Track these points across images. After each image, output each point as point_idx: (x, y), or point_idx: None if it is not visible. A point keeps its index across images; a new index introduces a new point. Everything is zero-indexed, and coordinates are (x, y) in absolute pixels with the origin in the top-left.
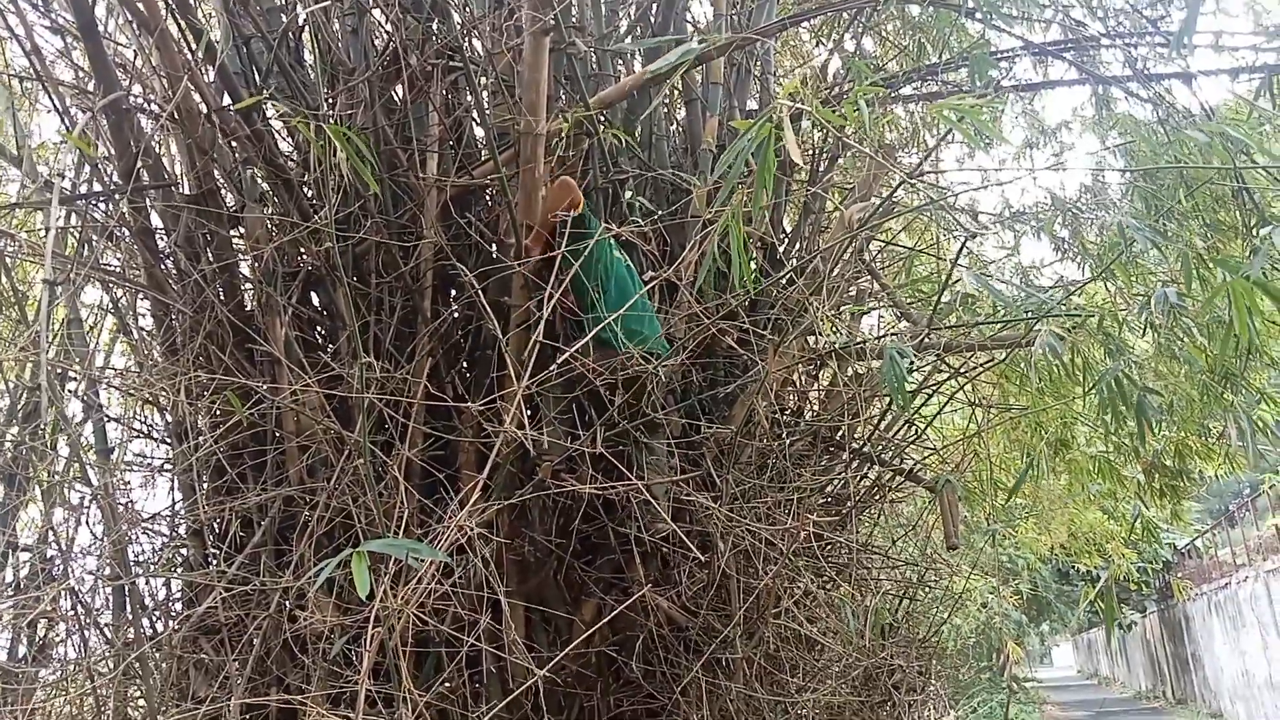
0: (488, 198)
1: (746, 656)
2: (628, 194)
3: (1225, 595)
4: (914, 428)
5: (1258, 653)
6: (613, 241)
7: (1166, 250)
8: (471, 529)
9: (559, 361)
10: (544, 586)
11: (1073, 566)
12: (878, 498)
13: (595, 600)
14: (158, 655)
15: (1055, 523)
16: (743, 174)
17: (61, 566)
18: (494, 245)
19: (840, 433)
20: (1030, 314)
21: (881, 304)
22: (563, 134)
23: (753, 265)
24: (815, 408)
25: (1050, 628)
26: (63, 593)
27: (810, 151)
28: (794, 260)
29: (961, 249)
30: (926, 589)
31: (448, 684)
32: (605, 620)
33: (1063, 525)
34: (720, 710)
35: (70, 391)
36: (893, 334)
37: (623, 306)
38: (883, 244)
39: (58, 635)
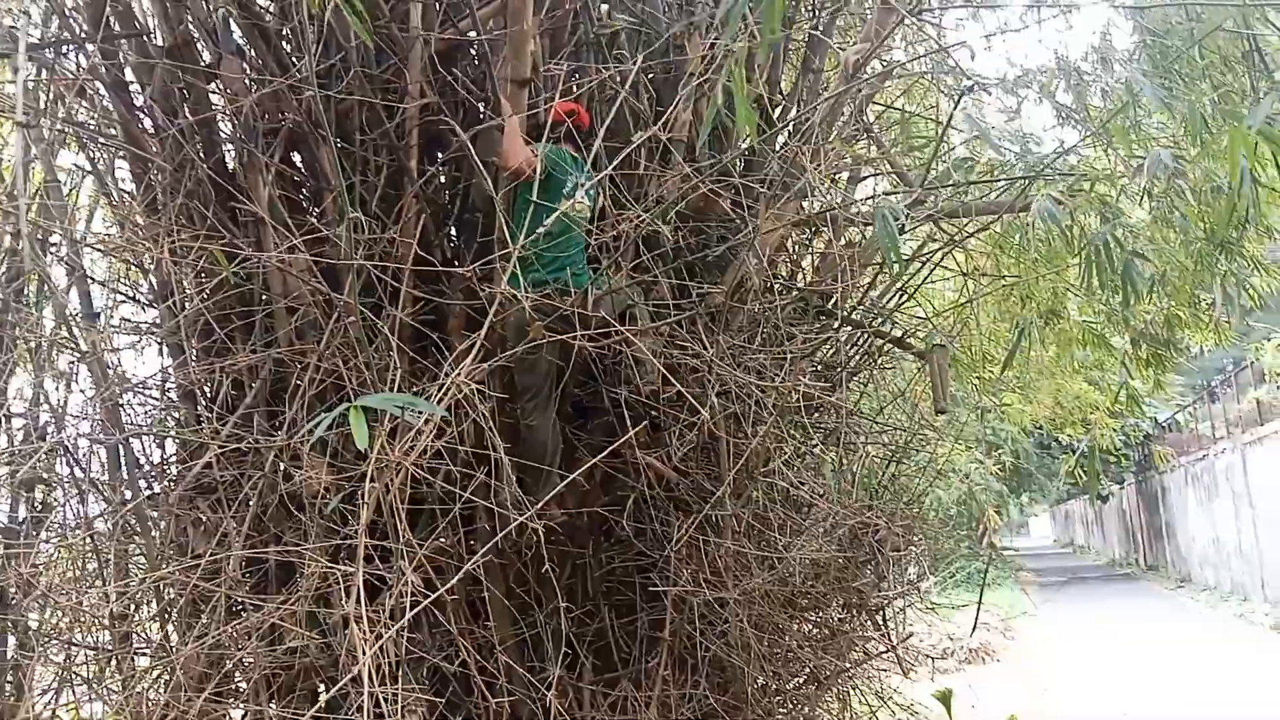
0: (474, 52)
1: (735, 515)
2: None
3: (1202, 467)
4: (906, 295)
5: (1229, 521)
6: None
7: (1171, 116)
8: (470, 386)
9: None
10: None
11: (1054, 438)
12: (867, 364)
13: (587, 461)
14: (155, 514)
15: (1041, 393)
16: (742, 22)
17: (55, 429)
18: (482, 102)
19: (832, 299)
20: (1027, 175)
21: (878, 170)
22: None
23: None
24: (808, 274)
25: (1030, 498)
26: (59, 455)
27: (811, 4)
28: (791, 120)
29: (958, 104)
30: (912, 455)
31: (442, 540)
32: (598, 480)
33: (1049, 396)
34: (709, 566)
35: (53, 254)
36: (888, 195)
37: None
38: (882, 107)
39: (56, 498)
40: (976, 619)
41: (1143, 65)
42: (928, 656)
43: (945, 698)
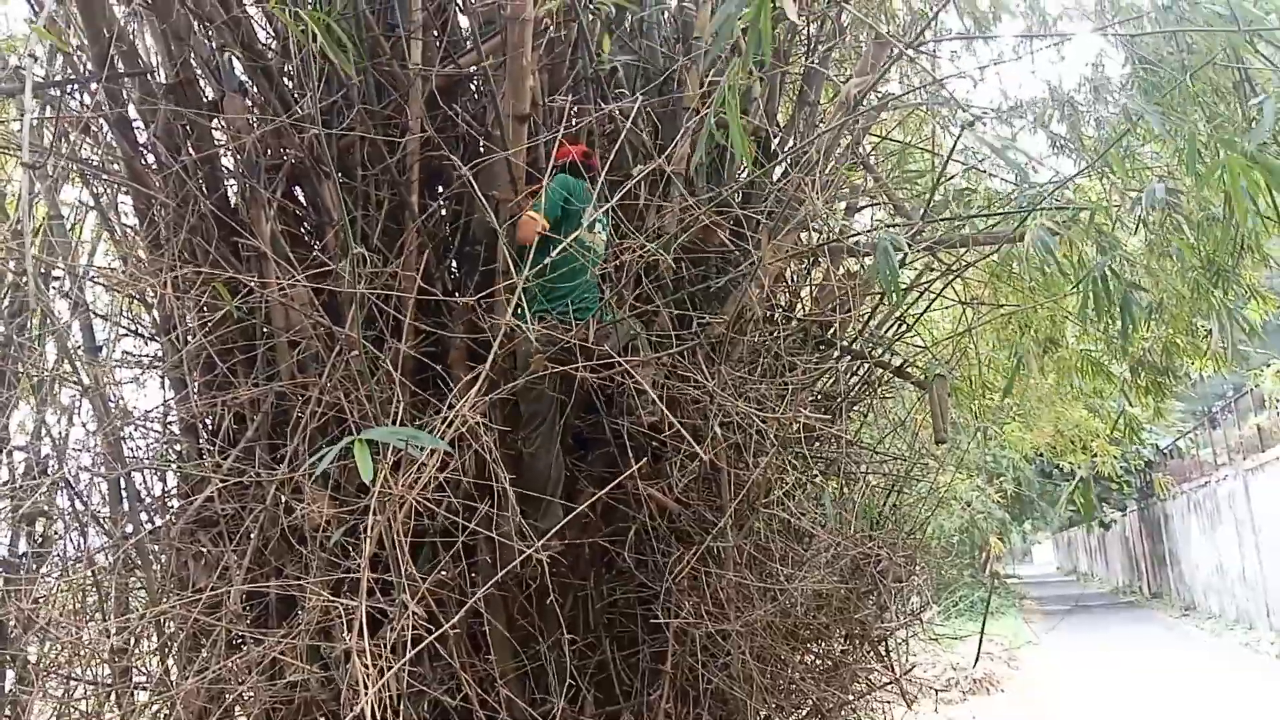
0: (474, 87)
1: (737, 546)
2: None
3: (1204, 494)
4: (905, 325)
5: (1232, 548)
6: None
7: (1164, 146)
8: (474, 419)
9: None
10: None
11: (1056, 466)
12: (867, 394)
13: (589, 493)
14: (156, 548)
15: (1042, 421)
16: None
17: (56, 463)
18: (481, 137)
19: (831, 329)
20: (1023, 208)
21: (875, 200)
22: (551, 18)
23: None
24: (807, 304)
25: (1032, 525)
26: (59, 489)
27: (806, 40)
28: (789, 153)
29: (959, 137)
30: (913, 485)
31: (444, 573)
32: (599, 512)
33: (1049, 423)
34: (711, 597)
35: (56, 289)
36: (887, 228)
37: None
38: (878, 139)
39: (57, 532)
40: (980, 649)
41: (1135, 94)
42: (931, 688)
43: None
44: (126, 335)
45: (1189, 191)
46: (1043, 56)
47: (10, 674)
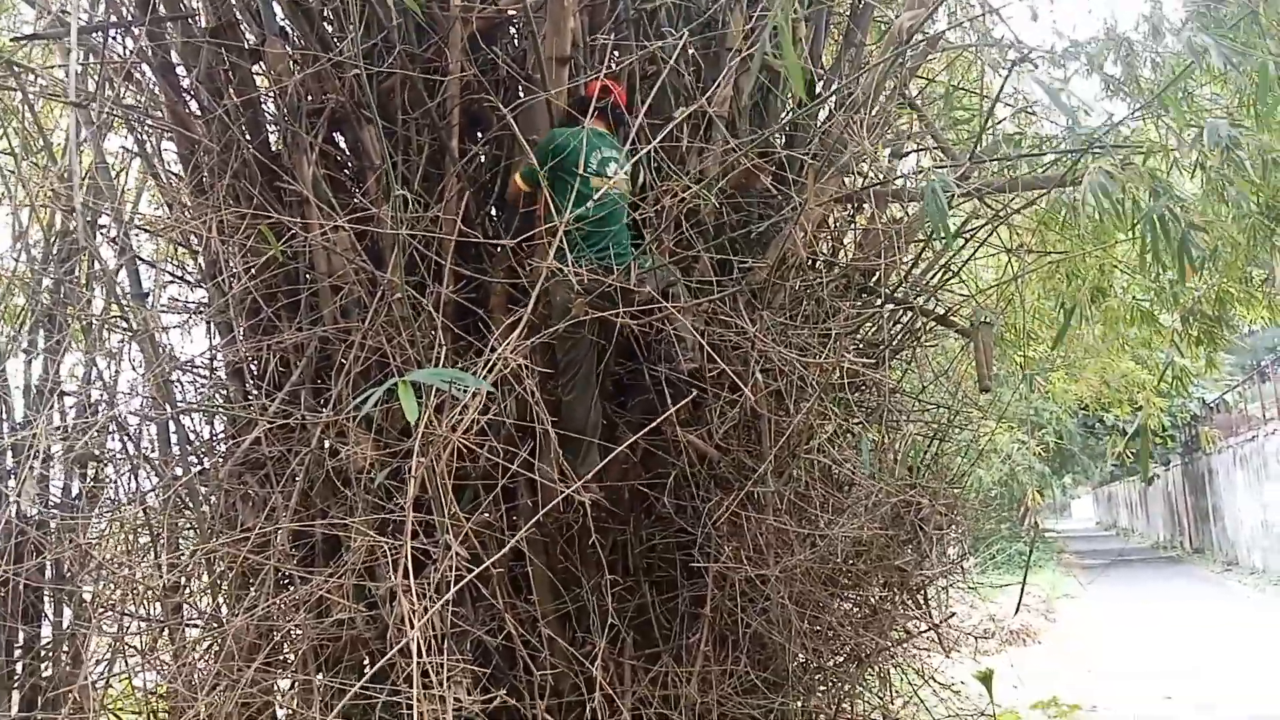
0: (514, 29)
1: (777, 492)
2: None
3: (1251, 448)
4: (949, 272)
5: (1278, 503)
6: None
7: (1224, 87)
8: (516, 362)
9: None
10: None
11: (1099, 419)
12: (910, 342)
13: (628, 438)
14: (205, 489)
15: (1087, 372)
16: None
17: (107, 407)
18: (522, 80)
19: (875, 275)
20: (1079, 150)
21: (922, 144)
22: None
23: (790, 98)
24: (849, 250)
25: (1073, 479)
26: (110, 432)
27: None
28: (834, 93)
29: (1008, 76)
30: (954, 435)
31: (485, 514)
32: (638, 457)
33: (1095, 375)
34: (750, 543)
35: (103, 235)
36: (935, 169)
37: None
38: (925, 80)
39: (106, 476)
40: (1021, 599)
41: (1197, 31)
42: (969, 636)
43: (987, 678)
44: (172, 281)
45: (1249, 134)
46: None
47: (67, 611)
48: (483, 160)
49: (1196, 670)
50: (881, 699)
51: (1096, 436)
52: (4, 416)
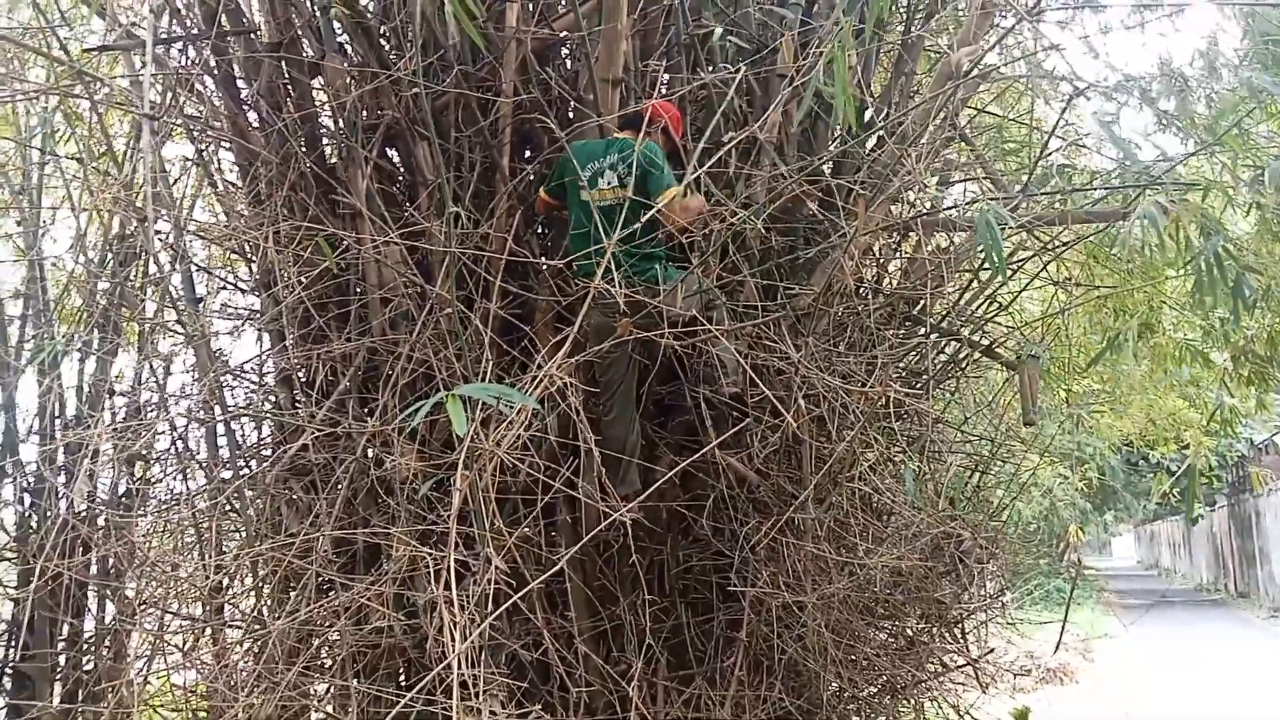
0: (567, 51)
1: (816, 519)
2: (717, 32)
3: None
4: (997, 303)
5: None
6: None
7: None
8: (561, 379)
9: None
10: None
11: (1143, 457)
12: (954, 372)
13: (667, 460)
14: (251, 493)
15: (1134, 408)
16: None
17: (157, 409)
18: (574, 101)
19: (920, 305)
20: (1131, 184)
21: (971, 174)
22: None
23: (840, 126)
24: (895, 279)
25: (1114, 517)
26: (160, 433)
27: (905, 7)
28: (884, 123)
29: (1066, 108)
30: (996, 467)
31: (526, 529)
32: (678, 478)
33: (1141, 411)
34: (788, 569)
35: (160, 241)
36: (986, 200)
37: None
38: (975, 110)
39: (154, 475)
40: (1061, 637)
41: (1256, 68)
42: (1008, 672)
43: (1023, 716)
44: (224, 288)
45: None
46: (1154, 28)
47: (110, 606)
48: (533, 179)
49: (1237, 719)
50: None
51: (1140, 474)
52: (58, 414)
